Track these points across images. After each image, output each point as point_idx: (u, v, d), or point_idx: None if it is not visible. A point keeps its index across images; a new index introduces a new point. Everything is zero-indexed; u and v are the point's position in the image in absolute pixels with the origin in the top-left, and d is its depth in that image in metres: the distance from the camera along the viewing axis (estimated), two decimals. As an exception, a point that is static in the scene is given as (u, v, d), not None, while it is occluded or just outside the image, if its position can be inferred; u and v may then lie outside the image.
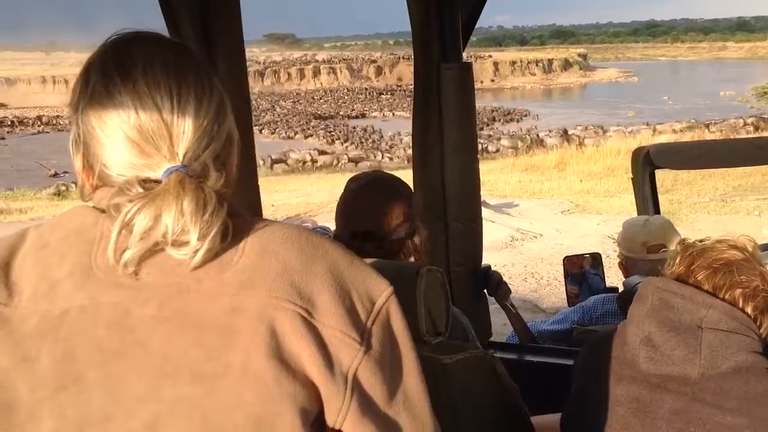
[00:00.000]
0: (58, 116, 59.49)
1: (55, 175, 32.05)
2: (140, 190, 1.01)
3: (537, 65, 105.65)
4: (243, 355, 0.98)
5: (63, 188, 23.45)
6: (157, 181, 1.02)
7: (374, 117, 56.75)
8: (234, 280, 1.00)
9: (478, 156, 3.09)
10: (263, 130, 46.21)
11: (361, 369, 1.03)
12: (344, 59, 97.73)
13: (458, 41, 2.96)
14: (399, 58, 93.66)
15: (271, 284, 1.01)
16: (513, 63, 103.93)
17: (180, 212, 0.99)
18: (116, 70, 1.05)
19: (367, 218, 2.02)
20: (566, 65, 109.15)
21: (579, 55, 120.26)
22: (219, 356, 0.98)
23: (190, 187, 1.01)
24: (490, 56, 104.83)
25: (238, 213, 1.07)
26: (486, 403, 1.77)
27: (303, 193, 17.46)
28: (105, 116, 1.04)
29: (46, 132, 54.19)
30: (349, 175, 2.35)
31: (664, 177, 14.12)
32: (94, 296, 1.00)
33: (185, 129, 1.04)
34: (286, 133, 45.72)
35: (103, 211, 1.05)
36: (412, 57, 3.01)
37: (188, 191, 1.00)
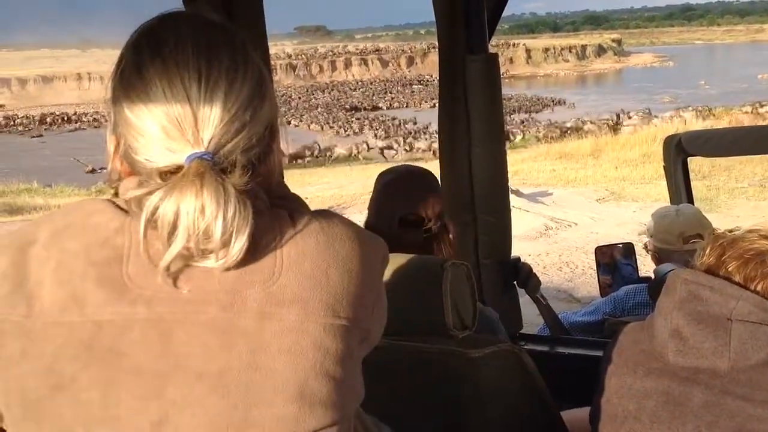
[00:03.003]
0: (96, 112, 60.19)
1: (93, 171, 32.47)
2: (159, 180, 0.97)
3: (570, 52, 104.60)
4: (298, 376, 0.97)
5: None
6: (181, 168, 0.98)
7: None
8: (280, 297, 0.98)
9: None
10: (312, 125, 46.03)
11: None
12: (376, 50, 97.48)
13: (484, 32, 2.93)
14: (430, 47, 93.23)
15: (318, 303, 0.99)
16: (546, 50, 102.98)
17: (201, 210, 0.94)
18: (147, 48, 1.02)
19: (407, 205, 2.04)
20: (600, 51, 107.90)
21: (613, 40, 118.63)
22: (272, 378, 0.96)
23: (210, 180, 0.96)
24: (524, 45, 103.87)
25: (276, 209, 1.04)
26: (514, 397, 1.77)
27: (336, 185, 17.49)
28: (134, 96, 1.00)
29: (83, 129, 54.91)
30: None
31: (701, 162, 13.93)
32: (129, 310, 0.96)
33: (212, 113, 0.99)
34: (332, 126, 45.06)
35: (126, 211, 1.01)
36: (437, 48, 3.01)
37: (207, 184, 0.95)
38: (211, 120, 0.98)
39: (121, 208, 1.02)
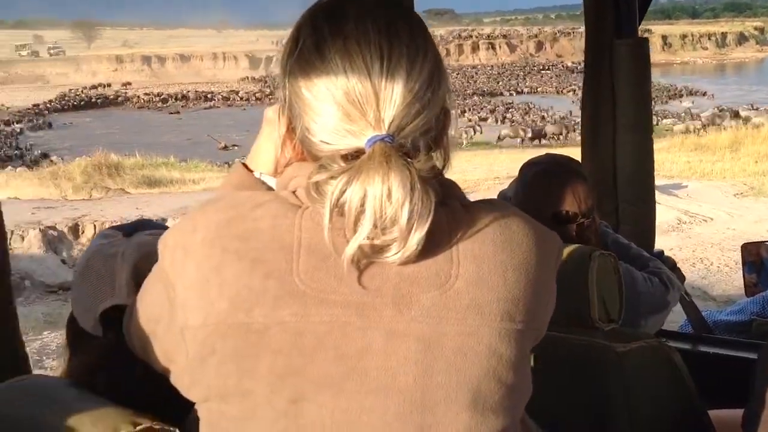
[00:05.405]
0: (232, 91, 62.27)
1: (225, 147, 33.65)
2: (342, 164, 0.93)
3: (709, 39, 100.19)
4: (471, 383, 0.95)
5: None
6: (361, 151, 0.94)
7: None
8: (456, 303, 0.94)
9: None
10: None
11: None
12: (504, 35, 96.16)
13: (634, 15, 2.84)
14: (560, 32, 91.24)
15: (494, 308, 0.96)
16: (683, 37, 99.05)
17: (388, 194, 0.90)
18: (327, 26, 0.99)
19: (560, 201, 1.99)
20: (741, 39, 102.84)
21: (755, 28, 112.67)
22: (445, 385, 0.94)
23: (397, 164, 0.91)
24: (660, 32, 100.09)
25: (447, 201, 0.99)
26: (662, 395, 1.70)
27: (459, 170, 17.46)
28: (313, 75, 0.98)
29: (217, 107, 56.92)
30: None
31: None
32: (299, 312, 0.93)
33: (394, 94, 0.95)
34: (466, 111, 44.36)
35: (293, 204, 0.97)
36: (584, 31, 2.92)
37: (394, 168, 0.91)
38: (392, 100, 0.95)
39: (289, 202, 0.99)
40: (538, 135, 31.52)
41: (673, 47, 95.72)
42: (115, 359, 1.23)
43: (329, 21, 0.99)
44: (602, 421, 1.65)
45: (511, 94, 56.03)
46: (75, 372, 1.32)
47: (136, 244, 1.27)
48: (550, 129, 31.48)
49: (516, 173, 2.16)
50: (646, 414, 1.65)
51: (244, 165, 1.24)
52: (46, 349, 7.19)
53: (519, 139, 31.46)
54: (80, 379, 1.28)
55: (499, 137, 32.66)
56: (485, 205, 1.03)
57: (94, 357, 1.28)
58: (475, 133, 34.06)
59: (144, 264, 1.20)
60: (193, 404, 1.03)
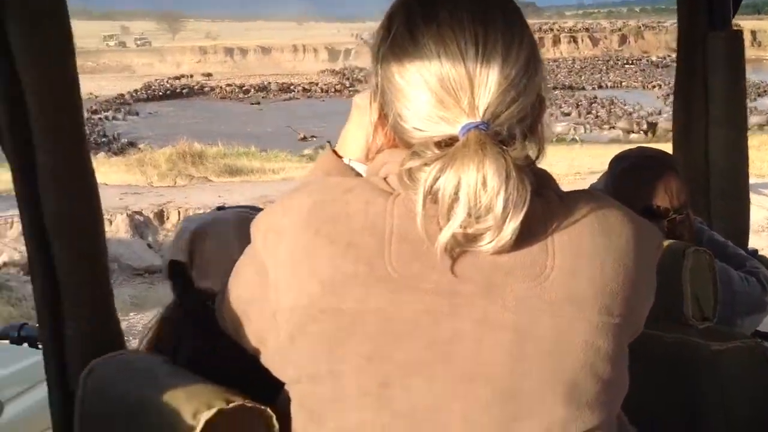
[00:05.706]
0: (311, 83, 62.86)
1: (304, 138, 34.03)
2: (436, 151, 0.92)
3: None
4: (566, 376, 0.94)
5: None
6: (454, 139, 0.93)
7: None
8: (551, 295, 0.93)
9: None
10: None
11: None
12: (586, 28, 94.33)
13: (727, 8, 2.76)
14: (644, 26, 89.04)
15: (592, 301, 0.94)
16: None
17: (483, 182, 0.88)
18: (420, 13, 0.98)
19: (651, 195, 1.95)
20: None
21: None
22: (540, 377, 0.93)
23: (492, 151, 0.90)
24: (750, 27, 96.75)
25: (542, 191, 0.97)
26: (758, 395, 1.65)
27: (545, 164, 17.24)
28: (406, 61, 0.97)
29: (297, 98, 57.52)
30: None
31: None
32: (391, 299, 0.93)
33: (489, 81, 0.93)
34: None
35: (384, 190, 0.98)
36: (670, 25, 2.85)
37: (489, 156, 0.89)
38: (487, 86, 0.93)
39: (378, 187, 0.99)
40: (652, 128, 31.21)
41: (763, 43, 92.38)
42: (179, 320, 1.40)
43: (422, 7, 0.99)
44: (696, 420, 1.61)
45: (593, 89, 54.95)
46: (159, 330, 1.45)
47: (206, 217, 1.44)
48: (663, 124, 30.93)
49: (598, 169, 2.13)
50: (743, 414, 1.61)
51: (334, 151, 1.25)
52: (132, 330, 7.40)
53: (621, 132, 31.22)
54: (161, 336, 1.42)
55: (611, 128, 32.45)
56: (582, 195, 1.01)
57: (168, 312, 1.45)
58: (585, 131, 33.70)
59: (195, 236, 1.39)
60: (282, 384, 1.04)
